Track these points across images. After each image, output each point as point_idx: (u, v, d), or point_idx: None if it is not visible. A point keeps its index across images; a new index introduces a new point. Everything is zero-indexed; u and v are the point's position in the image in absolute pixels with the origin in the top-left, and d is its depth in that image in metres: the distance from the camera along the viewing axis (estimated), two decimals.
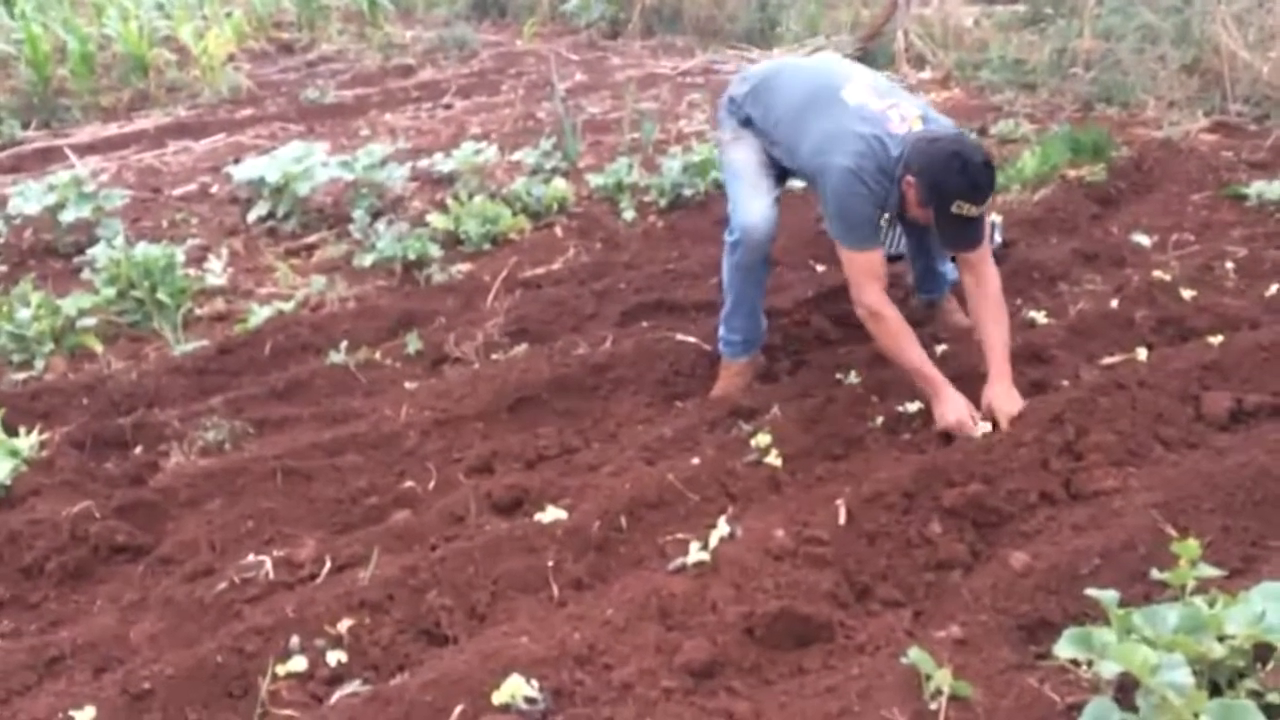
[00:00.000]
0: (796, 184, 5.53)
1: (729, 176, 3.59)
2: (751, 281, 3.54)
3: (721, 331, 3.64)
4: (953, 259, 4.15)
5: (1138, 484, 2.77)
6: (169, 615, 2.67)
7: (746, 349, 3.60)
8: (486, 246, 5.18)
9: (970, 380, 3.34)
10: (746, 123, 3.54)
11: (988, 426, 3.07)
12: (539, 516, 2.83)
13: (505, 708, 2.17)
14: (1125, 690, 1.97)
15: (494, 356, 4.01)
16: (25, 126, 8.14)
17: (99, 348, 4.35)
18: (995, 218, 4.73)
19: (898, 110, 3.21)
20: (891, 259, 4.19)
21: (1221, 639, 1.96)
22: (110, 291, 4.62)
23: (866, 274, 3.23)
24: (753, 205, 3.45)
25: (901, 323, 3.24)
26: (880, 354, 3.63)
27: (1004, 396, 3.12)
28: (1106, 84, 6.89)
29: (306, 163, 5.56)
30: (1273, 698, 1.90)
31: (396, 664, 2.45)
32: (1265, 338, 3.39)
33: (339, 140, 7.19)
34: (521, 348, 4.06)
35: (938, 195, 3.03)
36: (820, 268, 4.53)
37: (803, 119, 3.33)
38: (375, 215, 5.51)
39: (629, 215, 5.46)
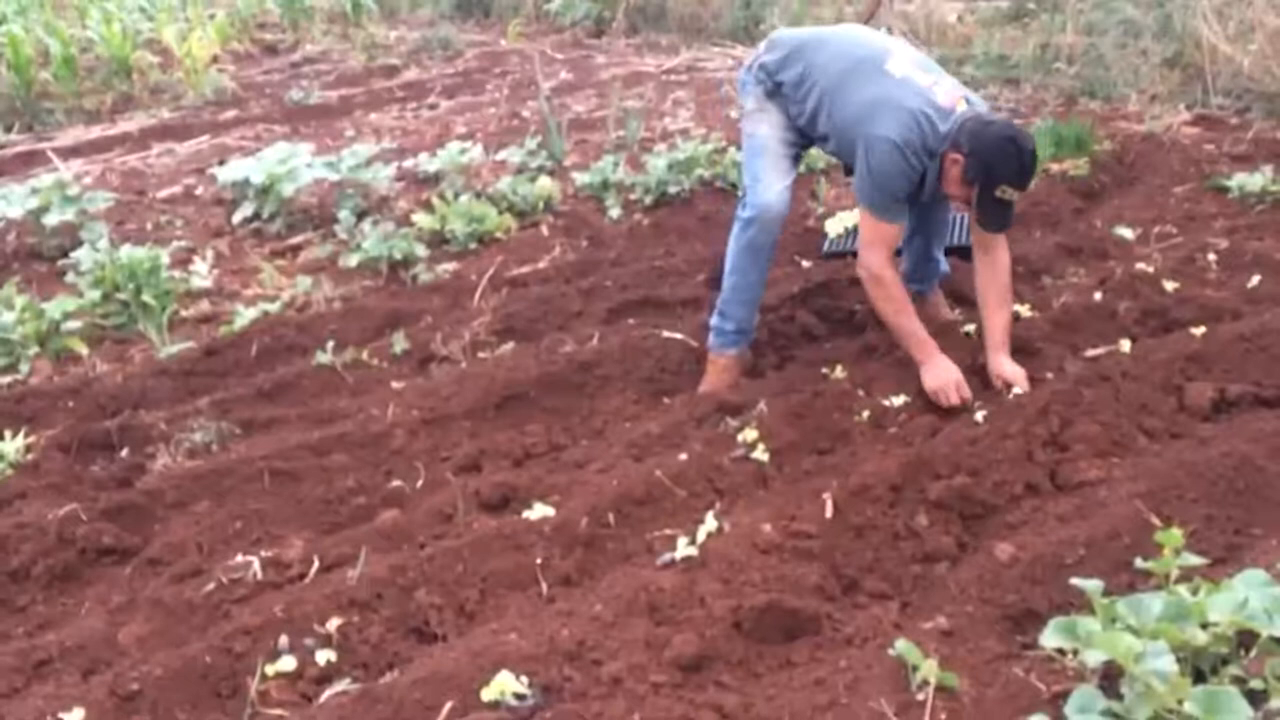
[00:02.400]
0: None
1: (750, 151, 3.58)
2: (758, 265, 3.55)
3: (715, 320, 3.62)
4: (950, 250, 4.19)
5: (1122, 474, 2.79)
6: (157, 616, 2.66)
7: (737, 341, 3.59)
8: (472, 246, 5.17)
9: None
10: (773, 92, 3.53)
11: (969, 395, 3.23)
12: (527, 514, 2.83)
13: (495, 704, 2.17)
14: (1110, 678, 1.98)
15: (481, 355, 4.01)
16: (8, 130, 8.10)
17: (84, 350, 4.34)
18: None
19: (942, 87, 3.27)
20: (852, 255, 4.21)
21: (1205, 626, 1.98)
22: (95, 294, 4.60)
23: (881, 240, 3.36)
24: (773, 184, 3.48)
25: (900, 288, 3.39)
26: (868, 349, 3.66)
27: (1011, 366, 3.30)
28: (1089, 78, 6.92)
29: (291, 164, 5.54)
30: (1256, 684, 1.92)
31: (386, 662, 2.45)
32: (1247, 328, 3.42)
33: (324, 141, 7.17)
34: (508, 346, 4.07)
35: (985, 176, 3.13)
36: (806, 264, 4.55)
37: (845, 86, 3.34)
38: (361, 215, 5.50)
39: (615, 213, 5.46)
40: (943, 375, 3.26)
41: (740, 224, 3.54)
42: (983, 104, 3.39)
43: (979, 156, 3.13)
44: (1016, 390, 3.23)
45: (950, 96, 3.25)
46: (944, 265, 3.95)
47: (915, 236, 3.83)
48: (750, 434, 3.13)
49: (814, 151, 4.40)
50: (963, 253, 4.37)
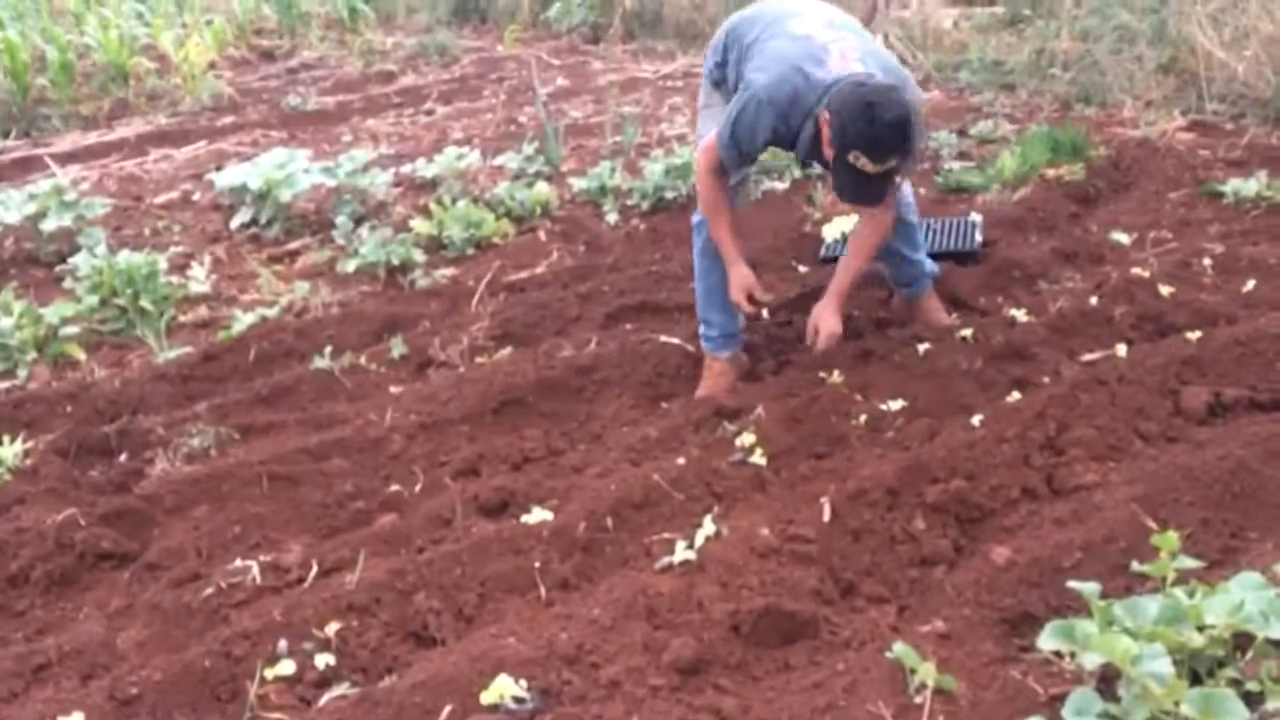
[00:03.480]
0: (779, 185, 5.59)
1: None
2: (719, 269, 3.53)
3: (700, 327, 3.65)
4: (949, 254, 4.21)
5: (1118, 478, 2.80)
6: (156, 621, 2.67)
7: (726, 343, 3.60)
8: (470, 251, 5.18)
9: (951, 377, 3.39)
10: (719, 82, 3.54)
11: (764, 300, 3.45)
12: (525, 518, 2.84)
13: (494, 708, 2.18)
14: (1107, 681, 1.99)
15: (479, 360, 4.02)
16: (5, 136, 8.11)
17: (82, 356, 4.34)
18: (975, 217, 4.77)
19: (841, 45, 3.14)
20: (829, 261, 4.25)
21: (1201, 629, 1.99)
22: (93, 300, 4.60)
23: (711, 162, 3.34)
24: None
25: (723, 193, 3.39)
26: (865, 354, 3.67)
27: (828, 315, 3.35)
28: (1084, 84, 6.95)
29: (289, 169, 5.56)
30: (1252, 686, 1.93)
31: (385, 666, 2.45)
32: (1242, 333, 3.43)
33: (321, 147, 7.18)
34: (506, 351, 4.07)
35: (839, 138, 2.99)
36: (803, 268, 4.56)
37: (750, 51, 3.33)
38: (358, 221, 5.51)
39: (612, 218, 5.47)
40: (739, 285, 3.38)
41: (695, 229, 3.57)
42: (891, 68, 3.22)
43: (836, 117, 2.99)
44: (818, 346, 3.33)
45: (846, 58, 3.11)
46: (929, 265, 3.93)
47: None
48: (748, 438, 3.14)
49: None
50: (960, 258, 4.40)
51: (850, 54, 3.12)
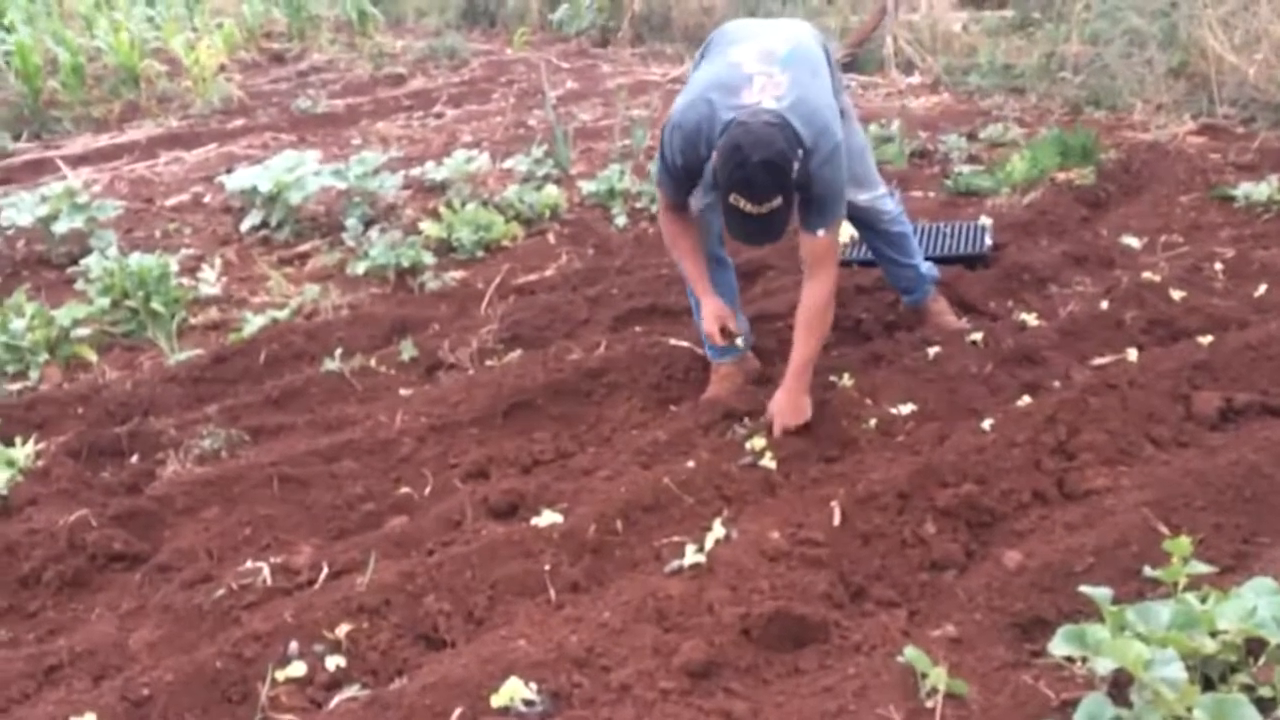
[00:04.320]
0: None
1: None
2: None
3: (703, 336, 3.65)
4: (955, 259, 4.20)
5: (1129, 483, 2.79)
6: (167, 622, 2.67)
7: (728, 350, 3.59)
8: (479, 254, 5.19)
9: (961, 381, 3.38)
10: None
11: (737, 333, 3.35)
12: (535, 521, 2.84)
13: (504, 710, 2.18)
14: (1119, 686, 1.98)
15: (488, 363, 4.02)
16: (16, 138, 8.15)
17: (94, 357, 4.36)
18: (985, 221, 4.77)
19: (765, 80, 3.00)
20: (865, 263, 4.24)
21: (1214, 634, 1.98)
22: (104, 301, 4.62)
23: (663, 204, 3.35)
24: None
25: (685, 229, 3.33)
26: (874, 358, 3.67)
27: (784, 404, 3.19)
28: (1095, 88, 6.94)
29: (299, 172, 5.57)
30: (1265, 691, 1.92)
31: (395, 668, 2.45)
32: (1254, 337, 3.42)
33: (331, 149, 7.20)
34: (515, 353, 4.08)
35: (719, 178, 2.91)
36: None
37: (698, 71, 3.31)
38: (368, 223, 5.52)
39: (621, 221, 5.48)
40: (710, 318, 3.30)
41: None
42: (816, 115, 2.99)
43: (718, 156, 2.90)
44: (776, 433, 3.16)
45: (762, 92, 2.97)
46: (928, 270, 3.91)
47: (871, 248, 3.86)
48: (758, 441, 3.14)
49: None
50: (970, 262, 4.40)
51: (770, 89, 2.98)
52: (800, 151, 2.90)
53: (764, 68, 3.04)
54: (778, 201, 2.85)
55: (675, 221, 3.35)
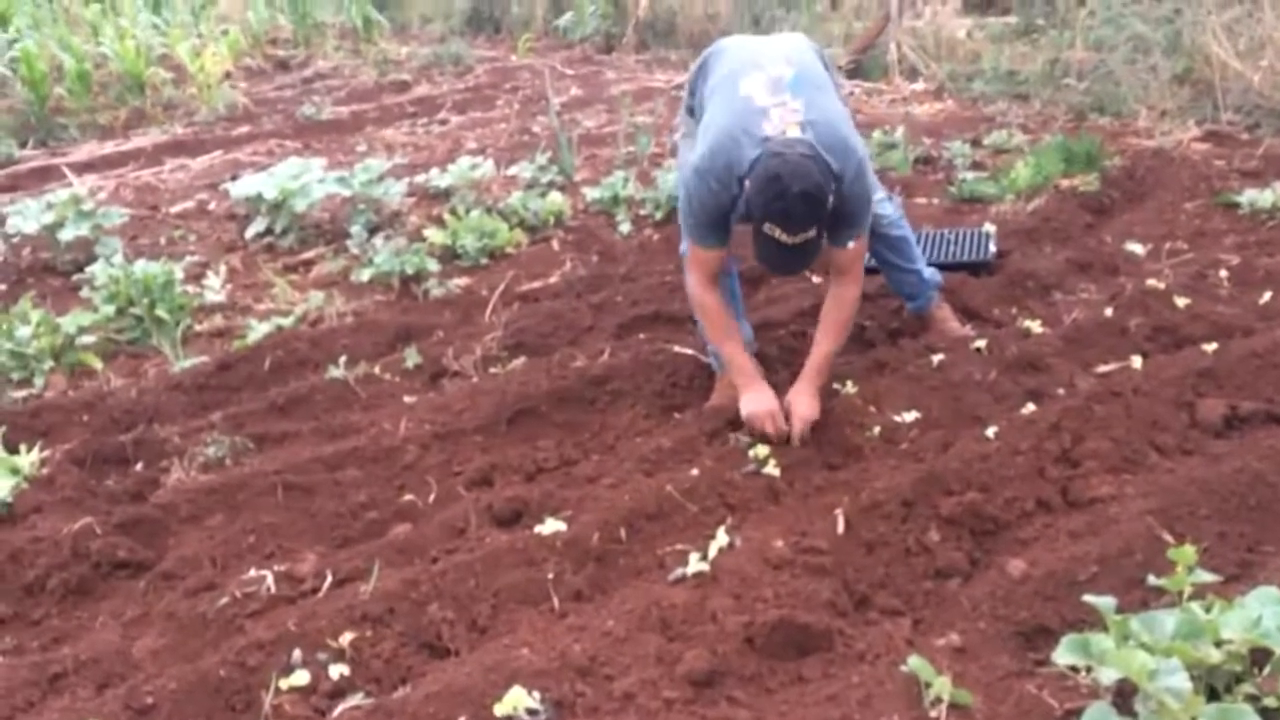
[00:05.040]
0: None
1: (680, 183, 3.45)
2: (710, 309, 3.40)
3: (709, 346, 3.65)
4: (960, 265, 4.20)
5: (1134, 491, 2.79)
6: (171, 630, 2.68)
7: None
8: (484, 260, 5.20)
9: (965, 388, 3.38)
10: (691, 109, 3.49)
11: (784, 426, 3.21)
12: (539, 528, 2.83)
13: (507, 719, 2.17)
14: (1123, 696, 1.98)
15: (492, 370, 4.03)
16: (22, 145, 8.17)
17: (99, 365, 4.37)
18: (989, 228, 4.77)
19: (782, 110, 3.02)
20: (869, 271, 4.24)
21: (1218, 644, 1.98)
22: (109, 309, 4.63)
23: (698, 264, 3.27)
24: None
25: (721, 312, 3.30)
26: (878, 365, 3.66)
27: (803, 399, 3.22)
28: (1099, 94, 6.94)
29: (304, 179, 5.59)
30: (1270, 702, 1.92)
31: (399, 676, 2.45)
32: (1259, 345, 3.41)
33: (336, 156, 7.22)
34: (519, 361, 4.08)
35: (754, 210, 2.92)
36: (816, 279, 4.55)
37: (708, 106, 3.26)
38: (372, 230, 5.53)
39: (625, 228, 5.48)
40: (755, 405, 3.21)
41: (684, 261, 3.46)
42: (837, 138, 3.01)
43: (753, 187, 2.91)
44: (794, 433, 3.17)
45: (782, 122, 2.98)
46: (931, 275, 3.91)
47: (873, 253, 3.85)
48: (761, 449, 3.14)
49: None
50: (974, 269, 4.39)
51: (790, 118, 2.99)
52: (833, 182, 2.93)
53: (776, 98, 3.05)
54: (812, 232, 2.89)
55: (713, 301, 3.28)
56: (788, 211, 2.84)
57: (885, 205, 3.71)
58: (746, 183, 2.94)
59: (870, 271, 4.25)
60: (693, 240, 3.26)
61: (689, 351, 3.83)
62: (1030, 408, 3.22)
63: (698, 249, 3.25)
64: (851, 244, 3.18)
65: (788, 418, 3.21)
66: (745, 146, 2.99)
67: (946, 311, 3.93)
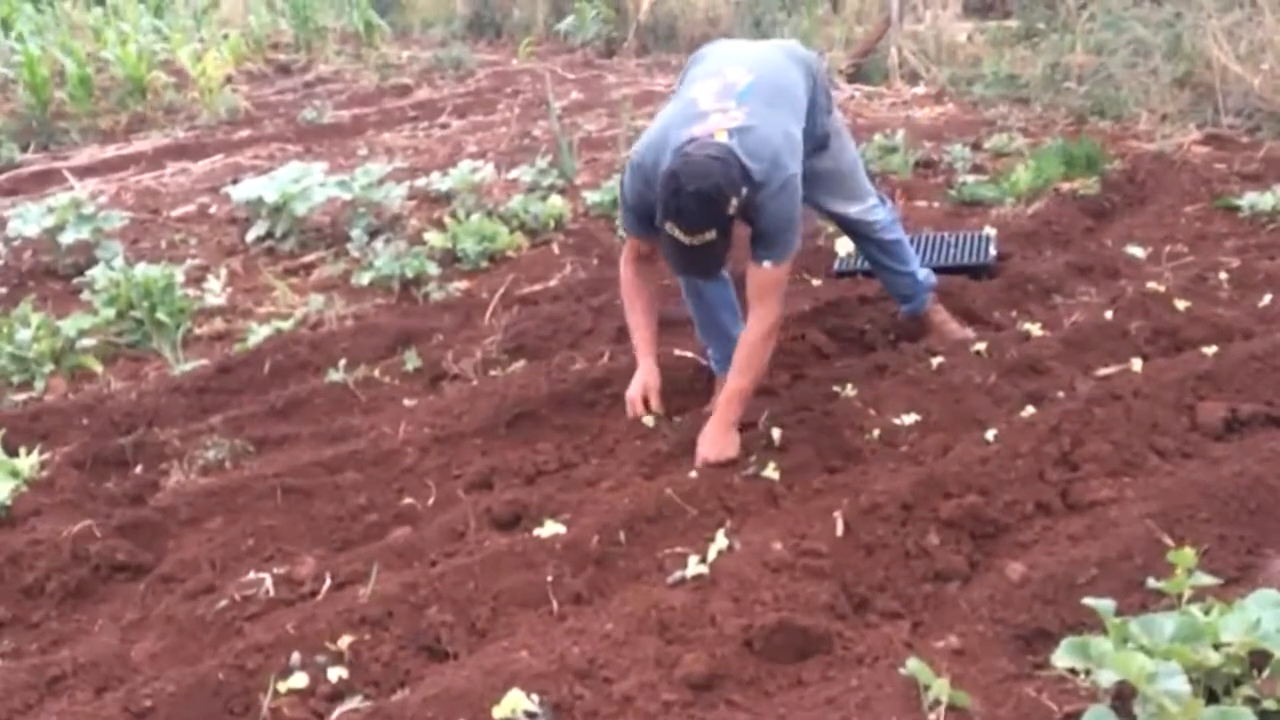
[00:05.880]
0: None
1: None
2: (704, 303, 3.49)
3: (708, 350, 3.65)
4: (959, 268, 4.19)
5: (1134, 494, 2.79)
6: (170, 633, 2.67)
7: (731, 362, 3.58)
8: (484, 264, 5.20)
9: (965, 391, 3.38)
10: None
11: (656, 411, 3.36)
12: (538, 531, 2.83)
13: None
14: (1123, 699, 1.98)
15: (492, 373, 4.03)
16: (24, 149, 8.18)
17: (99, 368, 4.37)
18: (990, 231, 4.76)
19: (721, 116, 3.00)
20: (867, 273, 4.25)
21: (1218, 647, 1.97)
22: (110, 312, 4.63)
23: (629, 248, 3.36)
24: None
25: (639, 287, 3.36)
26: (878, 368, 3.66)
27: (709, 437, 3.14)
28: (1099, 98, 6.94)
29: (304, 183, 5.59)
30: (1269, 705, 1.91)
31: (397, 680, 2.45)
32: (1259, 348, 3.41)
33: (336, 160, 7.22)
34: (519, 364, 4.08)
35: (658, 208, 2.90)
36: (816, 282, 4.56)
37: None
38: (373, 234, 5.53)
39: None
40: (638, 385, 3.34)
41: None
42: (766, 147, 2.96)
43: (659, 183, 2.90)
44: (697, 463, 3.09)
45: (714, 126, 2.96)
46: (925, 277, 3.90)
47: (867, 256, 3.87)
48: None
49: None
50: (974, 272, 4.40)
51: (722, 123, 2.96)
52: (745, 187, 2.89)
53: (719, 104, 3.03)
54: (711, 235, 2.84)
55: (637, 275, 3.37)
56: (681, 209, 2.81)
57: (878, 210, 3.71)
58: None
59: (865, 274, 4.27)
60: (625, 225, 3.35)
61: (688, 354, 3.83)
62: (1030, 411, 3.22)
63: (629, 234, 3.34)
64: (768, 264, 3.07)
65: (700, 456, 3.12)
66: (672, 145, 2.98)
67: (944, 314, 3.93)
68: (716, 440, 3.13)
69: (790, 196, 3.02)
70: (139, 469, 3.59)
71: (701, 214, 2.81)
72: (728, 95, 3.07)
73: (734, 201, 2.84)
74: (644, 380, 3.36)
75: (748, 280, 3.16)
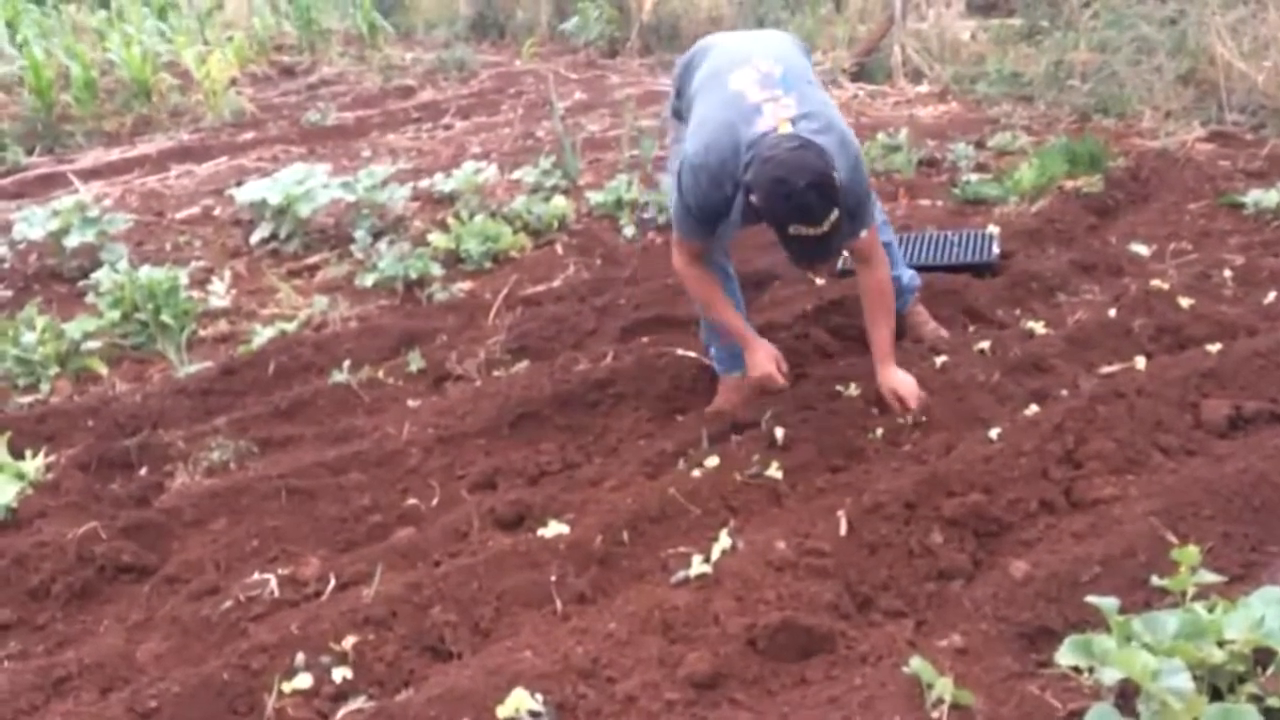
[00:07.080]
0: None
1: (671, 183, 3.43)
2: (713, 306, 3.46)
3: (711, 350, 3.66)
4: (962, 267, 4.20)
5: (1137, 492, 2.78)
6: (175, 634, 2.68)
7: (735, 363, 3.59)
8: (487, 265, 5.21)
9: (968, 390, 3.37)
10: (677, 111, 3.51)
11: (785, 370, 3.39)
12: (541, 531, 2.84)
13: None
14: (1126, 696, 1.98)
15: (495, 373, 4.03)
16: (29, 152, 8.20)
17: (104, 370, 4.38)
18: (993, 229, 4.76)
19: (775, 105, 3.02)
20: (843, 274, 4.26)
21: (1221, 644, 1.97)
22: (114, 314, 4.64)
23: (683, 250, 3.34)
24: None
25: (705, 282, 3.37)
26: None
27: (899, 379, 3.31)
28: (1103, 95, 6.93)
29: (308, 184, 5.60)
30: (1273, 702, 1.91)
31: (401, 680, 2.45)
32: (1263, 345, 3.41)
33: (340, 161, 7.23)
34: (523, 364, 4.08)
35: (771, 218, 2.91)
36: (819, 281, 4.55)
37: (696, 102, 3.27)
38: (377, 235, 5.54)
39: (629, 232, 5.49)
40: (766, 362, 3.35)
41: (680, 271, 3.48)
42: (825, 122, 3.04)
43: (758, 197, 2.89)
44: (912, 407, 3.26)
45: (774, 118, 2.99)
46: (909, 279, 3.90)
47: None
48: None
49: None
50: (977, 270, 4.39)
51: (782, 114, 3.00)
52: (833, 165, 2.93)
53: (768, 94, 3.06)
54: (836, 214, 2.87)
55: (699, 273, 3.36)
56: (801, 207, 2.83)
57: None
58: (753, 197, 2.92)
59: (845, 274, 4.27)
60: (680, 233, 3.31)
61: (692, 354, 3.83)
62: (1034, 409, 3.22)
63: (686, 242, 3.31)
64: (863, 233, 3.21)
65: (898, 401, 3.29)
66: (740, 143, 3.00)
67: (924, 315, 3.93)
68: (905, 382, 3.32)
69: (860, 168, 3.16)
70: (144, 471, 3.59)
71: (823, 202, 2.84)
72: (771, 84, 3.09)
73: (838, 175, 2.90)
74: (766, 352, 3.38)
75: (852, 251, 3.30)
